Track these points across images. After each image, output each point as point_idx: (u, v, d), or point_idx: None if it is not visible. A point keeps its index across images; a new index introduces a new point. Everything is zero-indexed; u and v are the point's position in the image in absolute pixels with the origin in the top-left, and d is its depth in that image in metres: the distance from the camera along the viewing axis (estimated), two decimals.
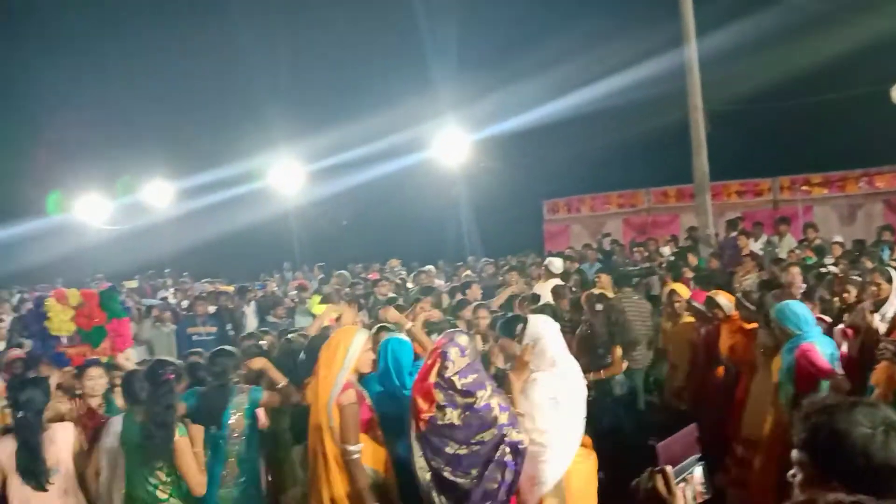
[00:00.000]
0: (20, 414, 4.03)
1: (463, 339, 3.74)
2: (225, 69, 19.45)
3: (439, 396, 3.59)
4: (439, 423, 3.57)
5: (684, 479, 1.84)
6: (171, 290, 13.79)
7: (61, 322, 6.13)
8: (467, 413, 3.58)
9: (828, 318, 5.70)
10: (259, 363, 4.81)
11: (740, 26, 12.62)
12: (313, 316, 9.01)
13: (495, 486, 3.57)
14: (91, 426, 4.60)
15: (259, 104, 18.88)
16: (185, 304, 11.20)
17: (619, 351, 6.42)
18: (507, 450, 3.60)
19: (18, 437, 4.02)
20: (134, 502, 4.10)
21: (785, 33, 13.00)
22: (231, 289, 11.48)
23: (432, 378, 3.62)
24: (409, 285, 10.75)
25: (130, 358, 6.19)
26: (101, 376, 4.91)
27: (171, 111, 19.62)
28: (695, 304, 6.45)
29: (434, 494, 3.57)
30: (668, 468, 1.78)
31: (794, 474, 1.77)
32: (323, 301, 10.31)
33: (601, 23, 15.38)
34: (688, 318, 6.77)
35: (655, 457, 1.81)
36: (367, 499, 3.75)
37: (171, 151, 18.74)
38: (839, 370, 4.53)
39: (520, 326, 4.08)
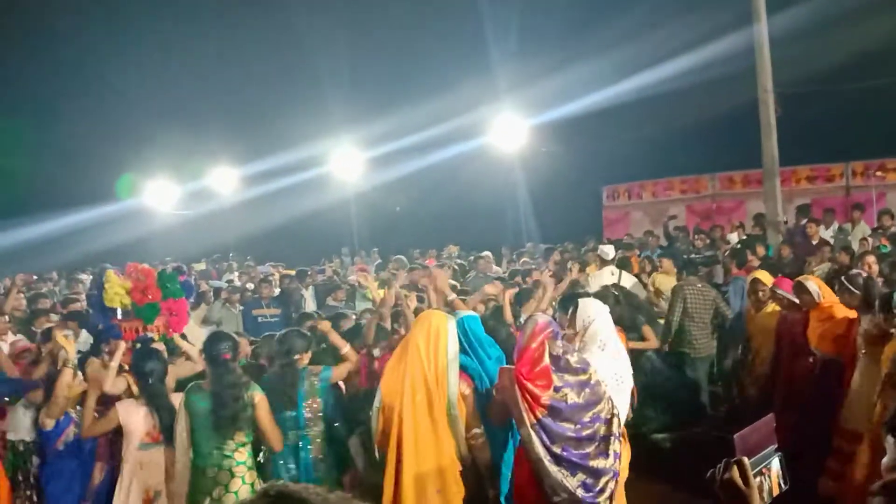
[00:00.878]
0: (149, 382, 4.33)
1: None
2: (286, 56, 19.76)
3: (556, 379, 3.53)
4: (560, 406, 3.49)
5: (760, 472, 1.79)
6: (237, 273, 14.15)
7: (115, 294, 6.22)
8: (585, 390, 3.55)
9: None
10: (325, 326, 4.96)
11: (813, 3, 12.11)
12: (371, 301, 9.15)
13: (615, 461, 3.57)
14: None
15: (320, 91, 19.14)
16: (249, 286, 11.47)
17: (647, 329, 6.76)
18: (618, 421, 3.63)
19: (152, 405, 4.31)
20: (205, 470, 4.13)
21: (859, 11, 12.42)
22: (293, 272, 11.69)
23: (546, 361, 3.53)
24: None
25: (193, 337, 6.27)
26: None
27: (234, 98, 20.09)
28: (779, 291, 6.24)
29: (564, 480, 3.47)
30: (745, 460, 1.74)
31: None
32: (381, 286, 10.43)
33: (666, 0, 14.99)
34: (772, 307, 6.60)
35: (732, 448, 1.78)
36: (486, 472, 3.93)
37: (234, 138, 19.20)
38: None
39: (571, 309, 4.06)
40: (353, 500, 1.29)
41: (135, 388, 4.66)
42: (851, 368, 5.13)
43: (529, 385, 3.47)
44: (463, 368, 4.06)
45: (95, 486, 4.76)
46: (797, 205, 11.62)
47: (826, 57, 12.61)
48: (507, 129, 15.97)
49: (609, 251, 9.05)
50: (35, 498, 4.97)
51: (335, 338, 4.84)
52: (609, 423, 3.58)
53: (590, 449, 3.50)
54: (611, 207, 18.30)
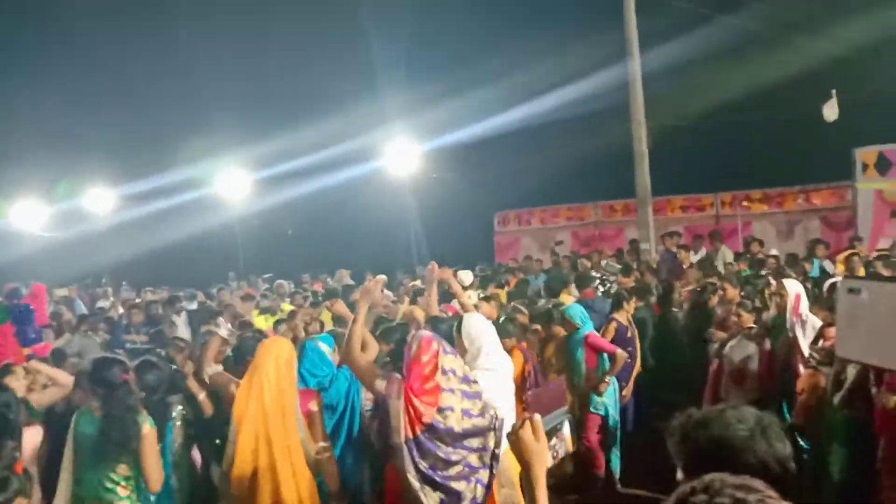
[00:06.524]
0: None
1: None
2: (171, 74, 19.10)
3: (444, 398, 3.48)
4: (439, 426, 3.44)
5: (554, 432, 1.87)
6: (111, 299, 13.39)
7: None
8: (472, 419, 3.52)
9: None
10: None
11: (683, 43, 12.90)
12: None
13: (479, 488, 3.53)
14: None
15: (205, 111, 18.58)
16: (119, 310, 10.89)
17: None
18: (490, 454, 3.58)
19: None
20: (84, 501, 3.97)
21: (726, 52, 13.33)
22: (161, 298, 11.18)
23: (436, 380, 3.49)
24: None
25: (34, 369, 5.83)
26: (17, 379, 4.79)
27: (113, 115, 19.13)
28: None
29: (422, 496, 3.45)
30: (537, 416, 1.80)
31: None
32: (262, 313, 10.16)
33: (548, 35, 15.57)
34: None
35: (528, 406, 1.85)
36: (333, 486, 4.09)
37: (112, 157, 18.27)
38: None
39: (456, 325, 4.22)
40: None
41: None
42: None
43: (416, 401, 3.45)
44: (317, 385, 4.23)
45: None
46: (664, 232, 12.20)
47: (697, 93, 13.44)
48: (400, 153, 16.01)
49: (465, 277, 9.14)
50: None
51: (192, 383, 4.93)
52: (481, 453, 3.55)
53: (454, 471, 3.48)
54: (502, 233, 18.68)
